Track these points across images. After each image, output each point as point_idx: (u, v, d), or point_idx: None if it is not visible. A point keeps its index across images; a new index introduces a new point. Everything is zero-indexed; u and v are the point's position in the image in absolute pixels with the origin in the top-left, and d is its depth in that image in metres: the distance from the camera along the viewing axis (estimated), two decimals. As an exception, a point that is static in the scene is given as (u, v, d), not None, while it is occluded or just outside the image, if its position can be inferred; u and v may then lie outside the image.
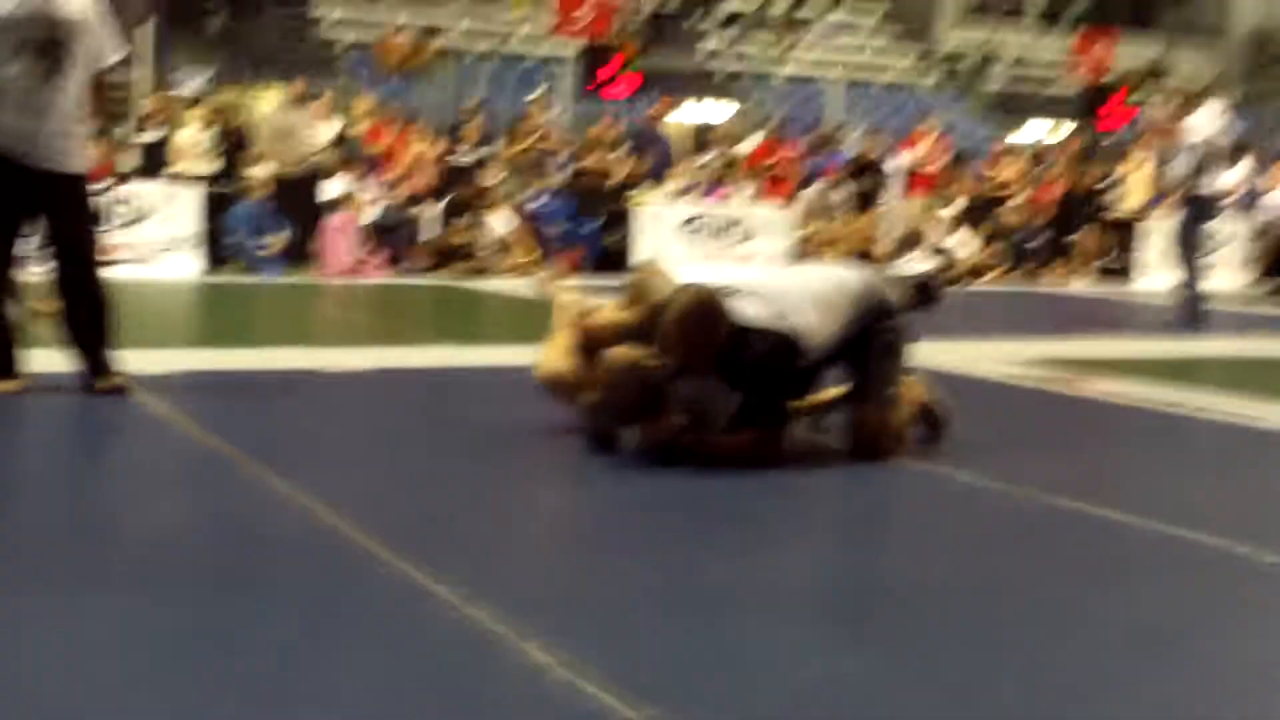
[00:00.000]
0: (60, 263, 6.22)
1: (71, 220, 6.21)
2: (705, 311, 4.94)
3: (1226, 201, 19.42)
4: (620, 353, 5.06)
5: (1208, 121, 12.09)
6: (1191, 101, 12.74)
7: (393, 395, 6.75)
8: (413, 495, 4.53)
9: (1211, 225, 12.61)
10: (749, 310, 4.99)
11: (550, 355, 5.62)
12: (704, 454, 4.97)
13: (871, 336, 5.16)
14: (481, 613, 3.14)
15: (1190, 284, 12.04)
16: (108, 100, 6.38)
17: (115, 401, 6.04)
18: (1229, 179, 20.00)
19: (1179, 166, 12.22)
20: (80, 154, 6.19)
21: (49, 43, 6.02)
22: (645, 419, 5.07)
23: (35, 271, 6.58)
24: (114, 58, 6.35)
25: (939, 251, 13.66)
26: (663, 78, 22.88)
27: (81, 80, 6.13)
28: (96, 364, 6.21)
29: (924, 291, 11.76)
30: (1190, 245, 12.09)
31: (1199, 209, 12.10)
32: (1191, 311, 11.89)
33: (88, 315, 6.22)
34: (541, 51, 22.74)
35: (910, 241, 15.45)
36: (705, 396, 4.98)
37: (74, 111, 6.12)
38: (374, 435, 5.72)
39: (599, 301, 5.65)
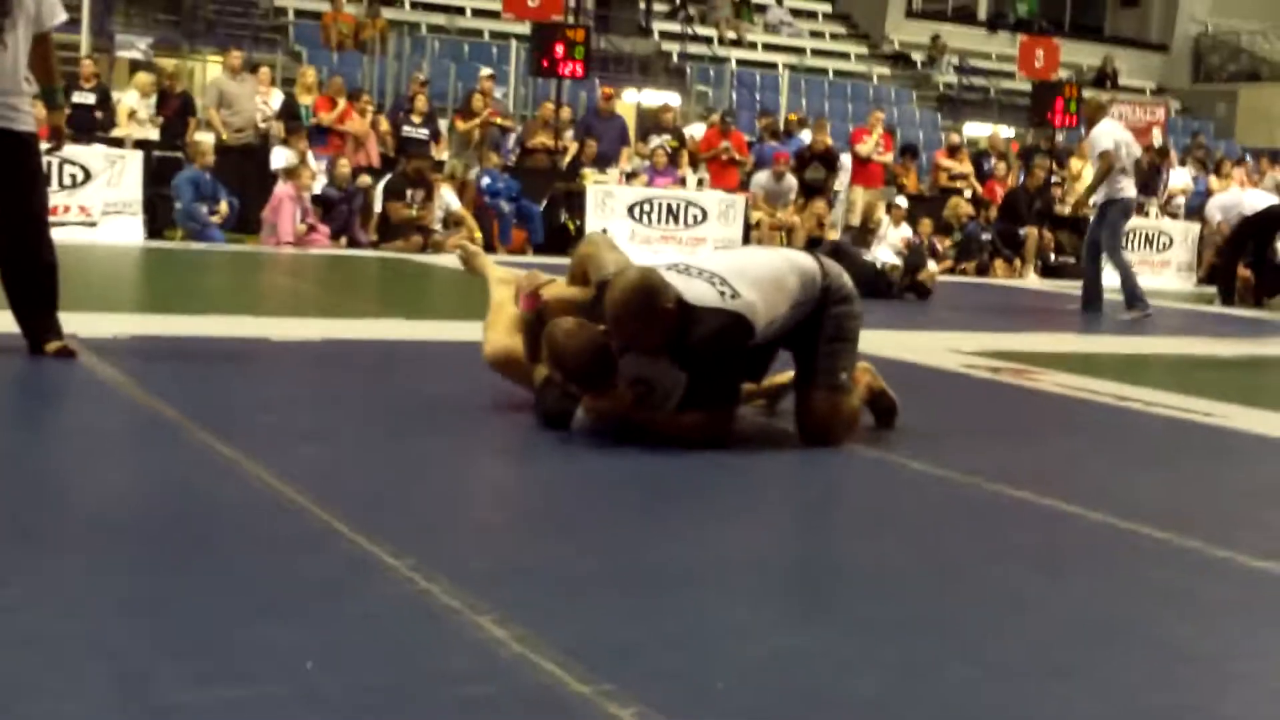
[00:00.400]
0: (9, 224, 6.12)
1: (18, 181, 6.12)
2: (649, 291, 4.83)
3: (1178, 204, 19.76)
4: (568, 321, 5.00)
5: (1104, 135, 12.77)
6: (1095, 115, 13.46)
7: (342, 366, 6.69)
8: (362, 467, 4.48)
9: (1122, 227, 13.40)
10: (698, 289, 4.93)
11: (494, 334, 5.55)
12: (653, 432, 4.93)
13: (823, 320, 5.14)
14: (435, 586, 3.11)
15: (1126, 274, 12.76)
16: (52, 62, 6.30)
17: (61, 365, 5.96)
18: (1176, 183, 20.34)
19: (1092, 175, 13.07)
20: (27, 114, 6.12)
21: None
22: (594, 392, 5.01)
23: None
24: (57, 20, 6.26)
25: (908, 247, 13.83)
26: (613, 61, 22.86)
27: (24, 42, 6.05)
28: (42, 327, 6.12)
29: (880, 279, 11.71)
30: (1112, 245, 12.92)
31: (1111, 212, 12.80)
32: (1135, 293, 12.62)
33: (35, 277, 6.14)
34: (492, 29, 22.66)
35: (862, 231, 15.49)
36: (653, 376, 4.92)
37: (16, 72, 6.04)
38: (323, 405, 5.65)
39: (544, 277, 5.56)
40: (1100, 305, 12.91)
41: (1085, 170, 18.94)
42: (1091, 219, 13.32)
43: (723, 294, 4.91)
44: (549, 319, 5.13)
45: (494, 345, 5.53)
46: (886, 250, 13.45)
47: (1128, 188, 12.89)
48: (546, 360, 5.05)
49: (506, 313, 5.58)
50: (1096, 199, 12.89)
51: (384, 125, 16.81)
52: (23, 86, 6.08)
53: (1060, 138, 21.14)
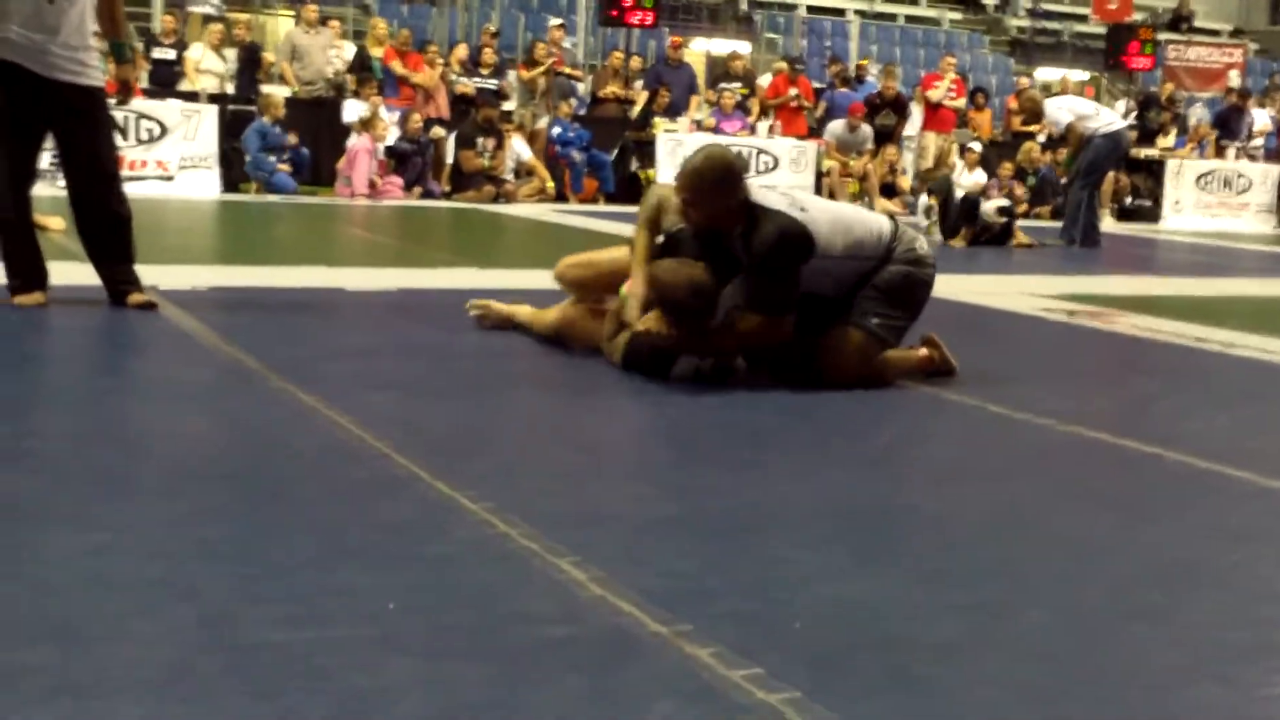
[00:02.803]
0: (79, 178, 6.17)
1: (90, 134, 6.16)
2: (727, 164, 5.07)
3: (1256, 145, 19.54)
4: (667, 261, 5.11)
5: (1059, 111, 13.72)
6: (1036, 106, 14.88)
7: (417, 315, 6.72)
8: (441, 413, 4.51)
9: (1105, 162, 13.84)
10: (770, 197, 5.10)
11: (549, 312, 5.82)
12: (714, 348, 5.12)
13: (879, 272, 5.17)
14: (514, 530, 3.13)
15: (1090, 210, 13.47)
16: (120, 16, 6.32)
17: (142, 316, 6.04)
18: (1256, 124, 20.01)
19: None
20: (95, 68, 6.14)
21: None
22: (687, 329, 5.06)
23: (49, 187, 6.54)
24: None
25: (1009, 198, 13.82)
26: (681, 10, 22.73)
27: None
28: (121, 279, 6.19)
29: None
30: (1085, 177, 13.44)
31: (1090, 148, 13.25)
32: (1093, 234, 13.38)
33: (108, 230, 6.20)
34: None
35: (935, 177, 15.35)
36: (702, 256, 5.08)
37: (84, 26, 6.06)
38: (400, 354, 5.69)
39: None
40: (1098, 238, 13.42)
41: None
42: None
43: (792, 205, 5.06)
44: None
45: (561, 313, 5.77)
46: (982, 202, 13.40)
47: (1107, 125, 13.36)
48: (654, 297, 5.08)
49: (547, 313, 5.83)
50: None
51: (453, 76, 16.75)
52: (89, 40, 6.09)
53: (1136, 81, 20.84)
